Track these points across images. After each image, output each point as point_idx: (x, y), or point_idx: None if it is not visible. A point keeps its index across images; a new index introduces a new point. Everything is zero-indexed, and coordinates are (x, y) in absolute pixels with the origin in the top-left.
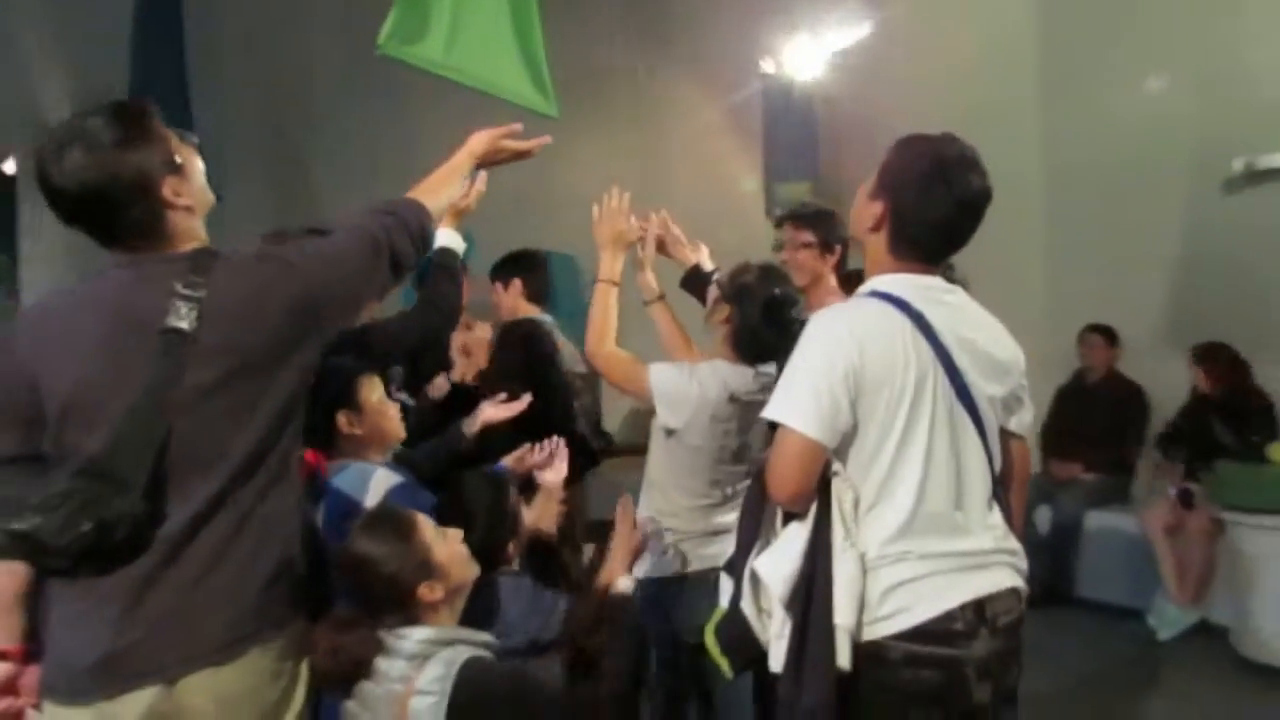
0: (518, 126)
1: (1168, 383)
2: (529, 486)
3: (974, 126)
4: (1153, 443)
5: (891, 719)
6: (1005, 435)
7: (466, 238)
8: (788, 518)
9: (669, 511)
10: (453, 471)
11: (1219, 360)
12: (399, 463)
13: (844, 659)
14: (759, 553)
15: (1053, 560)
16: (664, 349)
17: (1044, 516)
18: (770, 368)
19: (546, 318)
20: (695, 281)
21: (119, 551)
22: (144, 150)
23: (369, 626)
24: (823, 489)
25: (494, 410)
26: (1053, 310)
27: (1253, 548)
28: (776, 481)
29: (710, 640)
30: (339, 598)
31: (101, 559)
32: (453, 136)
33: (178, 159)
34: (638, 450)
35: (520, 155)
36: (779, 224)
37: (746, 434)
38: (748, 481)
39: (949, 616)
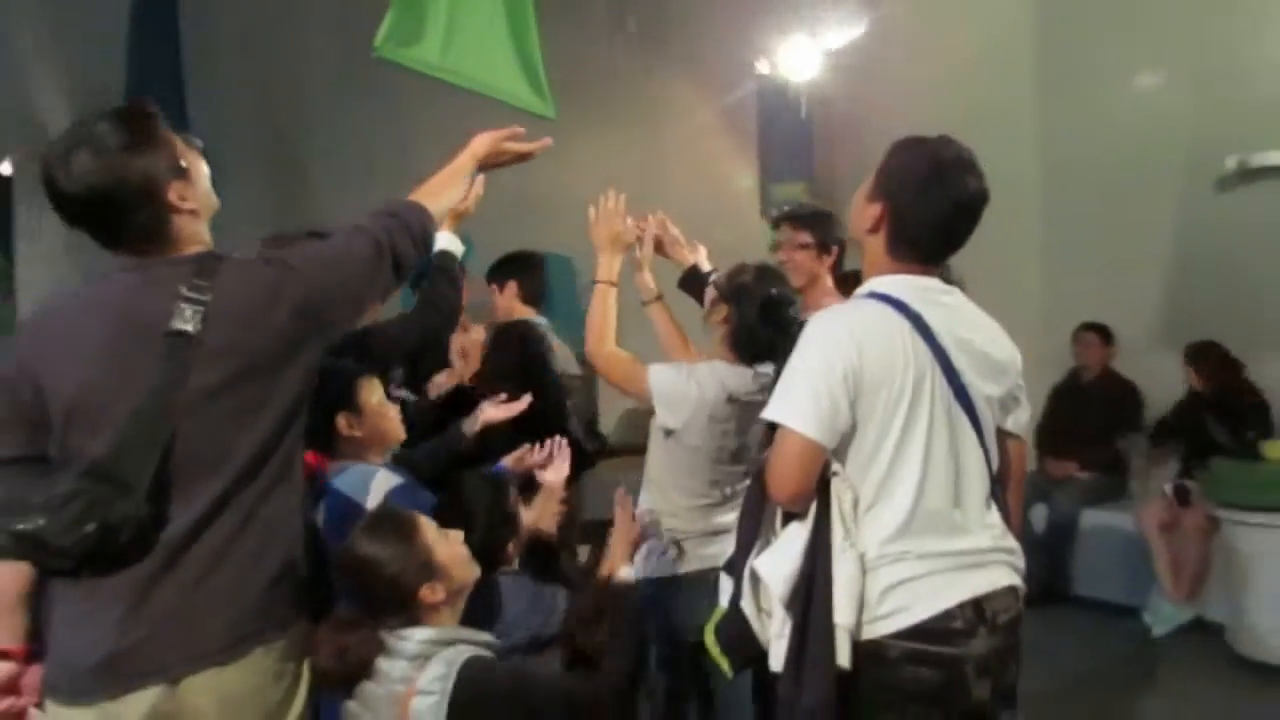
0: (520, 129)
1: (1163, 381)
2: (530, 486)
3: (969, 127)
4: (1147, 433)
5: (892, 717)
6: (1002, 435)
7: (464, 240)
8: (787, 517)
9: (668, 511)
10: (453, 471)
11: (1210, 359)
12: (399, 463)
13: (844, 658)
14: (759, 552)
15: (1049, 559)
16: (662, 349)
17: (1040, 515)
18: (768, 368)
19: (541, 320)
20: (693, 282)
21: (123, 552)
22: (150, 155)
23: (371, 627)
24: (822, 489)
25: (494, 411)
26: (1048, 309)
27: (1248, 545)
28: (776, 482)
29: (710, 639)
30: (340, 599)
31: (105, 560)
32: (449, 137)
33: (183, 163)
34: (633, 451)
35: (522, 157)
36: (776, 224)
37: (745, 434)
38: (746, 481)
39: (948, 615)
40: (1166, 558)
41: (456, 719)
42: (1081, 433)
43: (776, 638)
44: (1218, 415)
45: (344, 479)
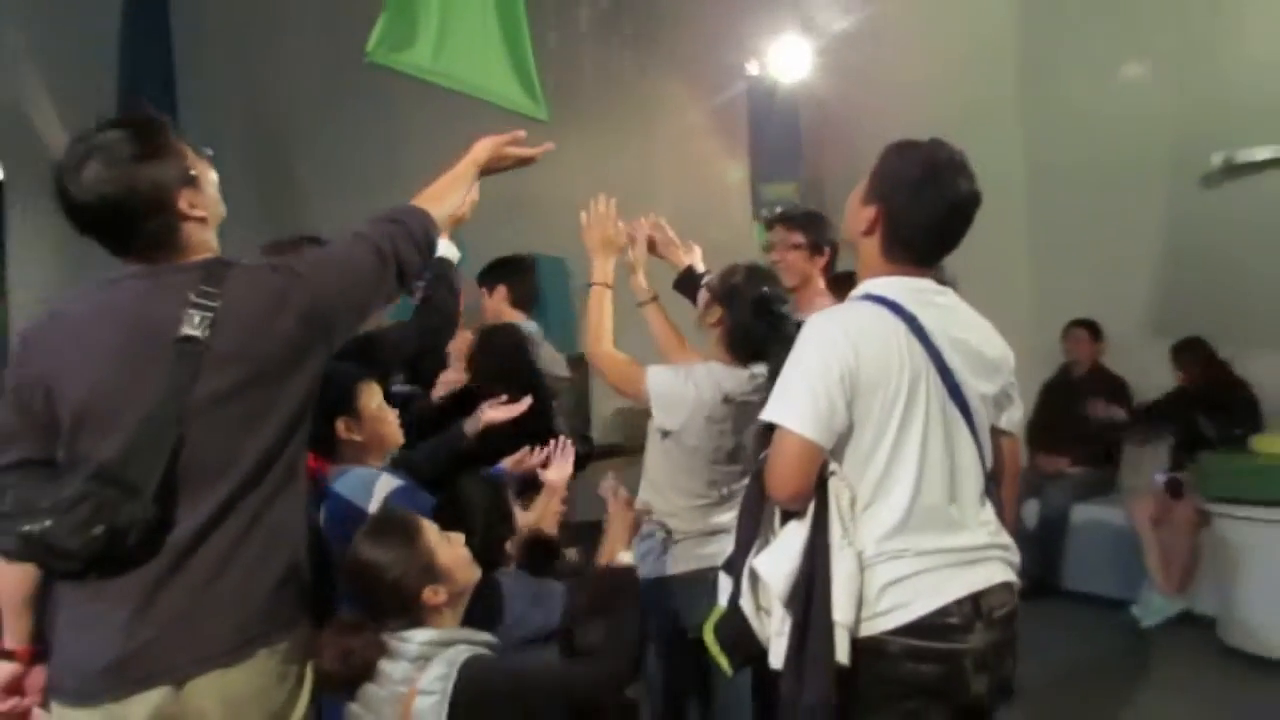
0: (521, 133)
1: (1152, 375)
2: (531, 487)
3: (957, 126)
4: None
5: (892, 712)
6: (996, 432)
7: (459, 244)
8: (786, 517)
9: (667, 511)
10: (453, 471)
11: (1196, 355)
12: (399, 463)
13: (843, 655)
14: (758, 551)
15: (1041, 553)
16: (659, 350)
17: (1031, 510)
18: (762, 368)
19: (530, 324)
20: (688, 283)
21: (130, 555)
22: (161, 164)
23: (374, 630)
24: (820, 488)
25: (495, 412)
26: (1038, 306)
27: (1238, 538)
28: (775, 482)
29: (710, 638)
30: (341, 601)
31: (112, 562)
32: (440, 139)
33: (193, 171)
34: (623, 452)
35: (523, 162)
36: (770, 226)
37: (741, 434)
38: (744, 481)
39: (945, 611)
40: (1157, 551)
41: (458, 718)
42: (1072, 429)
43: (776, 635)
44: (1206, 410)
45: (344, 482)
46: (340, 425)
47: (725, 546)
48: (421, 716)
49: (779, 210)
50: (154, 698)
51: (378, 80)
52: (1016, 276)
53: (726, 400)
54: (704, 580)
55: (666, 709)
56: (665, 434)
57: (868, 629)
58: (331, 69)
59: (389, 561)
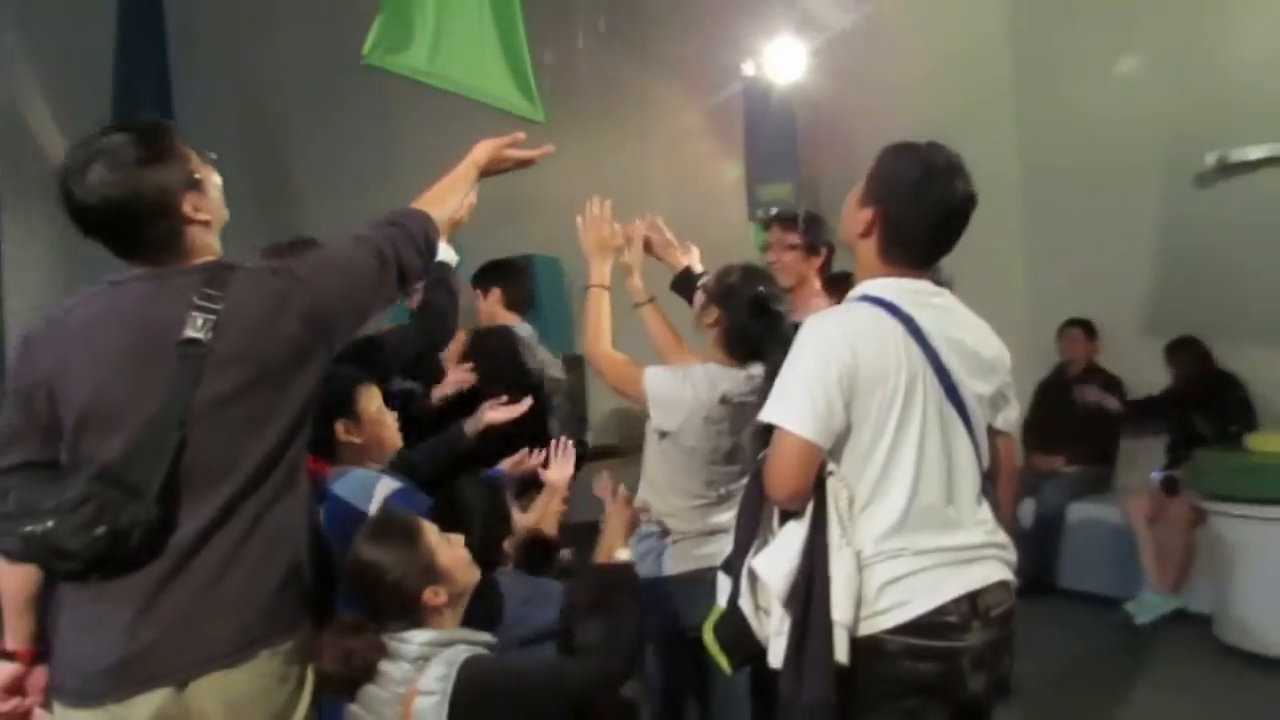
0: (521, 135)
1: (1147, 374)
2: (531, 487)
3: (952, 127)
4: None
5: (891, 710)
6: (992, 432)
7: (456, 246)
8: (785, 517)
9: (666, 512)
10: (453, 471)
11: (1190, 354)
12: (399, 463)
13: (842, 654)
14: (757, 551)
15: (1037, 552)
16: (657, 351)
17: (1027, 509)
18: (759, 368)
19: (525, 326)
20: (685, 284)
21: (132, 557)
22: (165, 168)
23: (374, 631)
24: (818, 488)
25: (495, 413)
26: (1033, 306)
27: (1233, 535)
28: (774, 482)
29: (709, 638)
30: (341, 602)
31: (114, 564)
32: (435, 139)
33: (197, 175)
34: (619, 453)
35: (522, 164)
36: (766, 226)
37: (739, 435)
38: (742, 481)
39: (943, 610)
40: (1152, 548)
41: (458, 718)
42: (1068, 427)
43: (775, 635)
44: (1201, 408)
45: (342, 484)
46: (339, 427)
47: (723, 546)
48: (422, 717)
49: (775, 211)
50: (156, 699)
51: (373, 81)
52: (1012, 276)
53: (724, 401)
54: (702, 580)
55: (665, 709)
56: (663, 434)
57: (866, 628)
58: (327, 69)
59: (390, 563)
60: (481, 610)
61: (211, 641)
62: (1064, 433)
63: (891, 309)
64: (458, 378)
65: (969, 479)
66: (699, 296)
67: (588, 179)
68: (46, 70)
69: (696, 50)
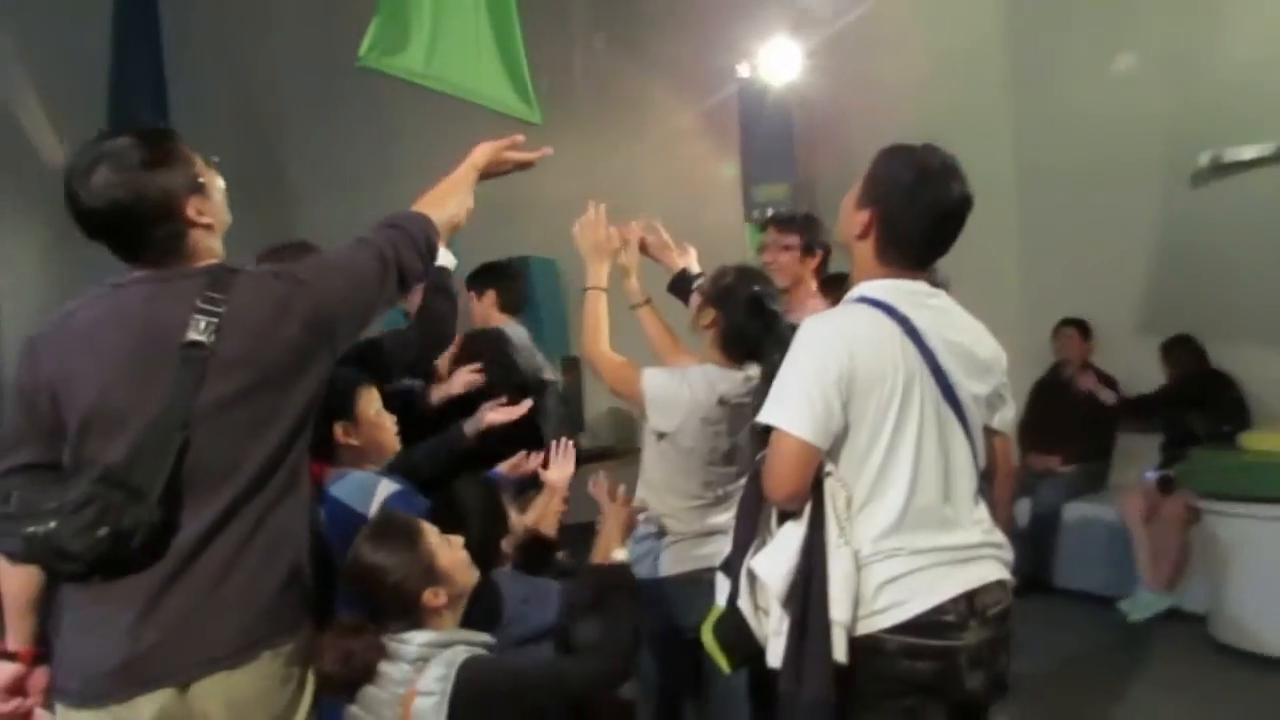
0: (520, 138)
1: (1142, 374)
2: (529, 487)
3: (947, 127)
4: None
5: (889, 709)
6: (988, 432)
7: (454, 251)
8: (783, 517)
9: (664, 513)
10: (453, 471)
11: (1185, 353)
12: (398, 463)
13: (841, 653)
14: (756, 552)
15: (1033, 551)
16: (654, 352)
17: (1023, 508)
18: (756, 370)
19: (518, 329)
20: (682, 286)
21: (135, 558)
22: (170, 171)
23: (374, 632)
24: (816, 489)
25: (495, 414)
26: (1028, 306)
27: (1227, 534)
28: (773, 483)
29: (709, 638)
30: (340, 603)
31: (117, 565)
32: (431, 139)
33: (201, 179)
34: (615, 454)
35: (521, 166)
36: (763, 227)
37: (736, 436)
38: (740, 482)
39: (941, 609)
40: (1148, 547)
41: (457, 719)
42: (1063, 427)
43: (774, 635)
44: (1195, 407)
45: (341, 486)
46: (338, 429)
47: (721, 547)
48: (421, 717)
49: (771, 212)
50: (159, 700)
51: (369, 82)
52: (1007, 276)
53: (721, 402)
54: (700, 581)
55: (662, 709)
56: (661, 435)
57: (865, 627)
58: (322, 70)
59: (391, 564)
60: (480, 611)
61: (214, 643)
62: (1060, 432)
63: (889, 310)
64: (467, 378)
65: (966, 479)
66: (695, 299)
67: (584, 180)
68: (41, 72)
69: (692, 52)
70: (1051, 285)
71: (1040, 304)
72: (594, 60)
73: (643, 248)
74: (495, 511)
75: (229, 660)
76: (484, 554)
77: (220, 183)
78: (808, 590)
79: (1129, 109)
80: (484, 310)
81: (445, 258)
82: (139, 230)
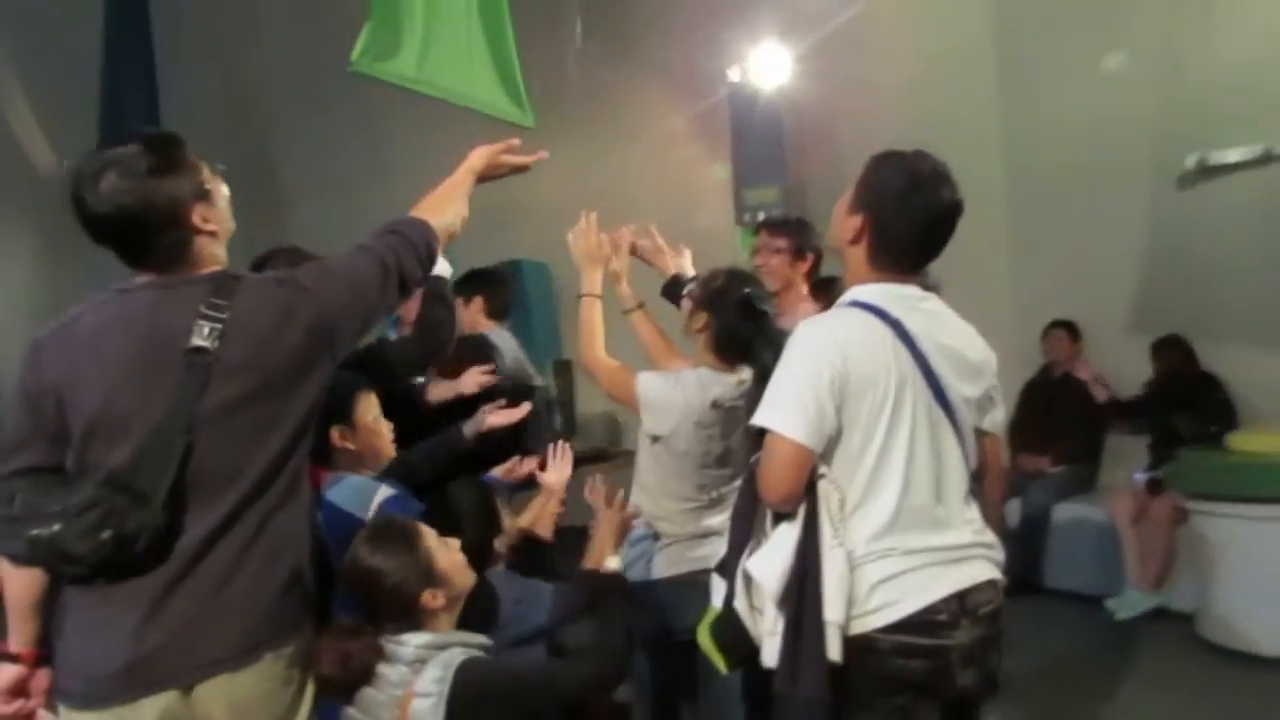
0: (516, 141)
1: (1131, 374)
2: (525, 487)
3: (936, 130)
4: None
5: (882, 707)
6: (979, 434)
7: (450, 259)
8: (778, 519)
9: (659, 515)
10: (452, 473)
11: (1175, 352)
12: (396, 465)
13: (835, 652)
14: (751, 553)
15: (1023, 551)
16: (649, 356)
17: (1013, 509)
18: (748, 373)
19: (504, 335)
20: (675, 290)
21: (138, 561)
22: (176, 178)
23: (372, 634)
24: (810, 490)
25: (495, 417)
26: (1018, 308)
27: (1215, 534)
28: (767, 485)
29: (705, 638)
30: (338, 606)
31: (120, 568)
32: (423, 141)
33: (207, 187)
34: (607, 457)
35: (517, 169)
36: (756, 231)
37: (730, 439)
38: (734, 485)
39: (933, 609)
40: (1136, 547)
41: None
42: (1053, 428)
43: (769, 635)
44: (1182, 408)
45: (337, 490)
46: (335, 433)
47: (716, 549)
48: (418, 718)
49: (763, 216)
50: (162, 702)
51: (360, 84)
52: (996, 279)
53: (715, 405)
54: (695, 583)
55: (657, 711)
56: (655, 439)
57: (858, 627)
58: (314, 72)
59: (390, 566)
60: (476, 612)
61: (217, 645)
62: (1049, 434)
63: (881, 314)
64: (478, 379)
65: (957, 480)
66: (686, 304)
67: (575, 184)
68: (32, 75)
69: (683, 56)
70: (1041, 287)
71: (1030, 306)
72: (586, 64)
73: (635, 251)
74: (489, 513)
75: (232, 662)
76: (479, 556)
77: (225, 190)
78: (802, 590)
79: (1116, 111)
80: (471, 316)
81: (441, 266)
82: (145, 236)
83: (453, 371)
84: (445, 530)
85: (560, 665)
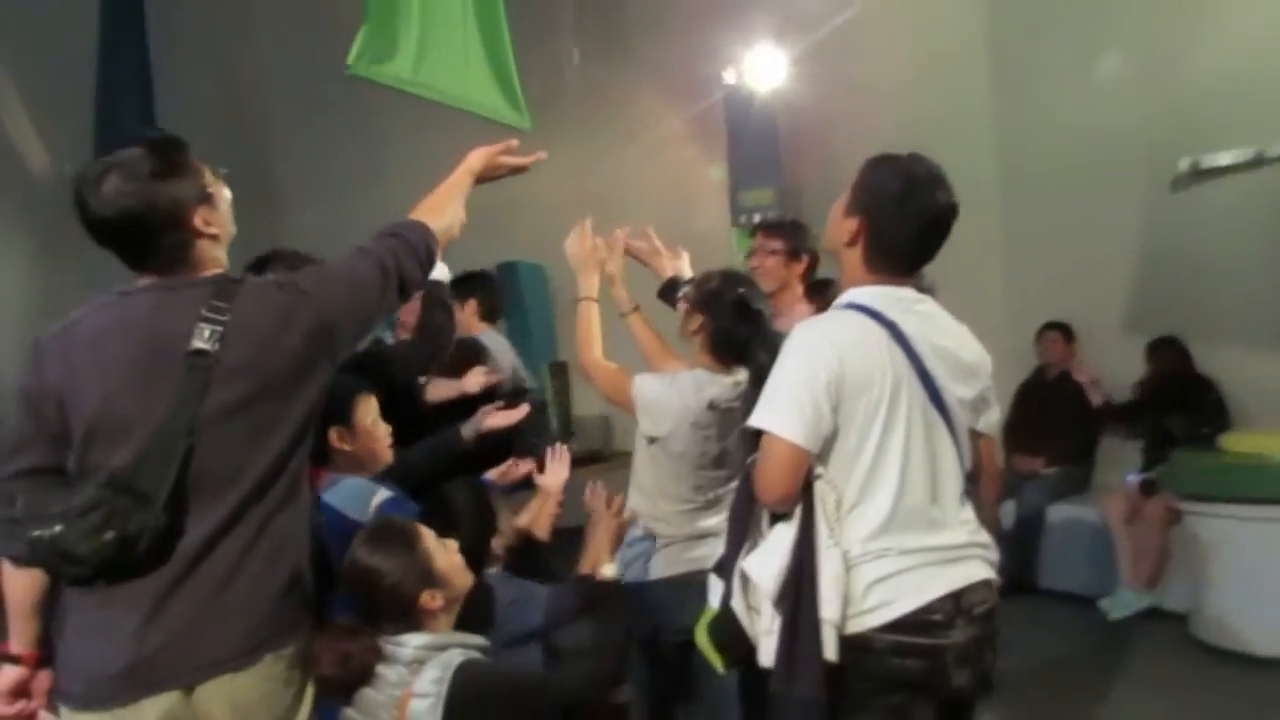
0: (514, 142)
1: (1125, 376)
2: (522, 488)
3: (931, 133)
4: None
5: (878, 706)
6: (974, 435)
7: (450, 265)
8: (774, 519)
9: (656, 516)
10: (451, 473)
11: (1169, 353)
12: (395, 464)
13: (831, 651)
14: (748, 553)
15: (1018, 552)
16: (646, 358)
17: (1008, 510)
18: (744, 374)
19: (496, 338)
20: (672, 292)
21: (140, 562)
22: (179, 182)
23: (370, 635)
24: (806, 490)
25: (494, 418)
26: (1012, 310)
27: (1208, 535)
28: (764, 485)
29: (703, 638)
30: (337, 607)
31: (122, 569)
32: (419, 142)
33: (209, 190)
34: (603, 458)
35: (516, 170)
36: (752, 233)
37: (726, 440)
38: (730, 486)
39: (928, 608)
40: (1129, 547)
41: None
42: (1047, 429)
43: (765, 634)
44: (1175, 409)
45: (334, 493)
46: (333, 434)
47: (712, 550)
48: (417, 718)
49: (759, 218)
50: (163, 703)
51: (356, 84)
52: (991, 280)
53: (711, 407)
54: (692, 584)
55: (654, 712)
56: (652, 440)
57: (854, 626)
58: (309, 73)
59: (389, 567)
60: (475, 613)
61: (218, 646)
62: (1044, 435)
63: (877, 316)
64: (483, 380)
65: (952, 480)
66: (681, 306)
67: (572, 186)
68: (27, 76)
69: (678, 58)
70: (1035, 289)
71: (1024, 308)
72: (582, 66)
73: (631, 252)
74: (486, 514)
75: (233, 663)
76: (475, 557)
77: (227, 194)
78: (799, 590)
79: (1110, 114)
80: (464, 319)
81: (440, 270)
82: (147, 239)
83: (447, 374)
84: (442, 531)
85: (560, 668)
